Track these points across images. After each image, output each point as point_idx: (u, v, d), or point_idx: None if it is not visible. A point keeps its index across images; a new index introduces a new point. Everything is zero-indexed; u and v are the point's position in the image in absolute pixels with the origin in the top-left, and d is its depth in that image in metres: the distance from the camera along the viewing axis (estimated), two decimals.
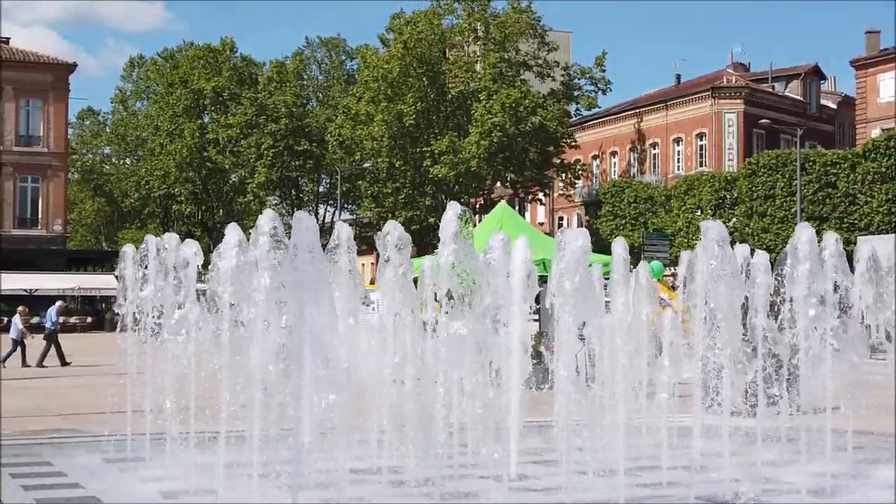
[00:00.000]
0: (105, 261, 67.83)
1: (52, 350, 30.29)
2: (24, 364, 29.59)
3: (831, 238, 11.36)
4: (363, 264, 73.98)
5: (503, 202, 29.42)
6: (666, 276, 33.29)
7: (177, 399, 11.58)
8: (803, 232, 11.03)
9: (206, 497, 9.83)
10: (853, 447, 11.37)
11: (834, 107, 75.97)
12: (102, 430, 13.23)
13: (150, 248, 12.56)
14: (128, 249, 13.45)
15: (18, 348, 30.33)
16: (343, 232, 10.50)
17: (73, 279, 59.26)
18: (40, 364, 29.29)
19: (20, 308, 32.12)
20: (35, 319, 37.26)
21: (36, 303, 57.85)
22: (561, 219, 79.52)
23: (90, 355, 30.75)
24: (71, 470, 11.64)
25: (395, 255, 10.35)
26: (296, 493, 7.72)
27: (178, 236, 12.69)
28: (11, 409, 17.07)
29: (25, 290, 57.09)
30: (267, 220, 9.15)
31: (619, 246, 11.25)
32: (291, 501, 7.72)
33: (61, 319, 34.20)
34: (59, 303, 33.98)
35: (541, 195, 71.10)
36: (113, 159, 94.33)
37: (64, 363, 29.75)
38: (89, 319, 60.07)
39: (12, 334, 30.92)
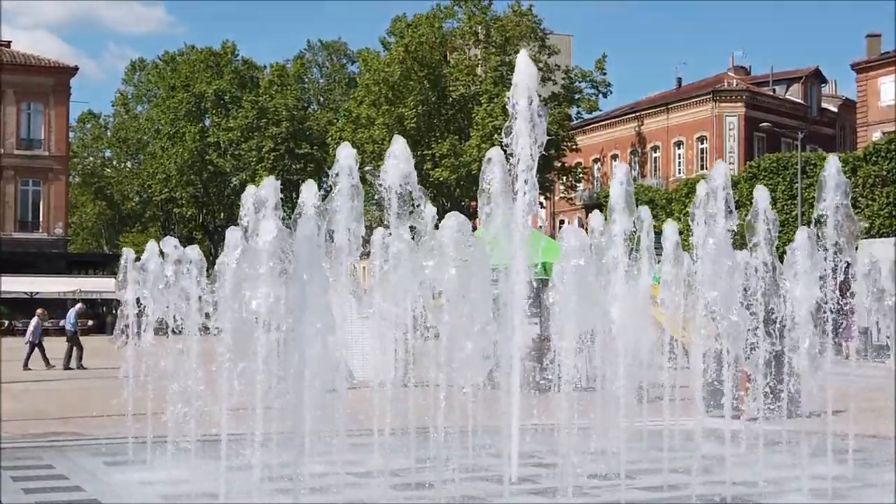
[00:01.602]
0: (106, 264, 67.85)
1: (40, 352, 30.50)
2: (26, 367, 29.58)
3: (832, 163, 11.38)
4: (364, 267, 73.92)
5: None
6: None
7: (178, 402, 11.59)
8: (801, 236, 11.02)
9: (208, 500, 9.83)
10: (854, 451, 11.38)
11: (835, 110, 75.97)
12: (103, 433, 13.25)
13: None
14: (129, 256, 13.48)
15: (28, 349, 30.61)
16: (344, 151, 10.72)
17: (74, 282, 59.24)
18: (80, 366, 29.42)
19: (39, 311, 32.45)
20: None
21: (36, 306, 57.96)
22: (562, 221, 79.53)
23: (92, 358, 30.72)
24: (72, 473, 11.65)
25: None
26: (297, 495, 7.72)
27: (177, 240, 12.74)
28: (13, 413, 17.07)
29: (26, 293, 57.07)
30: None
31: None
32: (293, 502, 7.72)
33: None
34: (78, 305, 34.05)
35: (542, 198, 71.12)
36: (114, 162, 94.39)
37: (51, 365, 29.77)
38: (90, 323, 60.01)
39: (28, 337, 31.20)
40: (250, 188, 11.57)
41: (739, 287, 10.61)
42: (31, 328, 31.29)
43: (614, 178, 11.34)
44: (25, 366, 29.67)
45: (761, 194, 11.62)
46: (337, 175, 11.18)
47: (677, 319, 13.18)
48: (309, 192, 12.20)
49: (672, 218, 61.85)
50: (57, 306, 54.73)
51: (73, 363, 30.09)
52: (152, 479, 11.15)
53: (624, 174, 11.54)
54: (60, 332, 36.49)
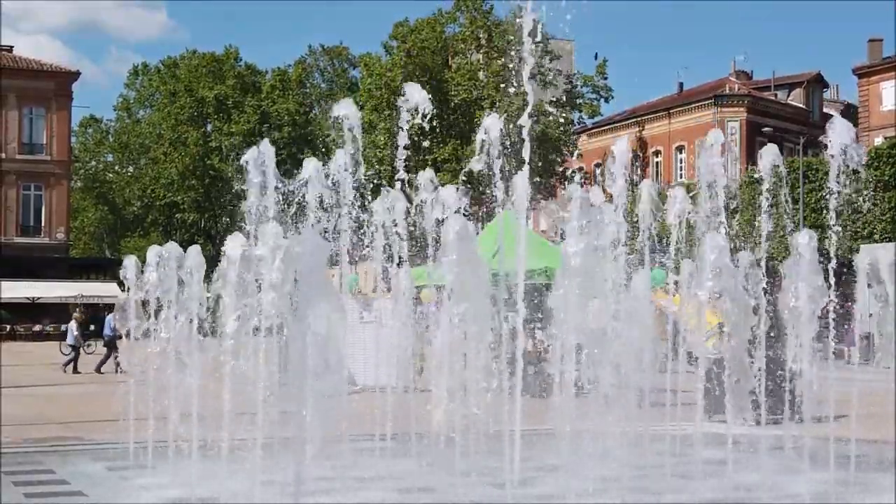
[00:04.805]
0: (108, 269, 67.84)
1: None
2: (76, 370, 30.03)
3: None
4: (365, 272, 73.93)
5: (505, 210, 29.34)
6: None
7: (179, 407, 11.60)
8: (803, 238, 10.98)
9: (209, 502, 9.84)
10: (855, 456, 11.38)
11: (836, 115, 75.87)
12: (105, 437, 13.25)
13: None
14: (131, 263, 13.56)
15: (73, 353, 31.19)
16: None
17: (76, 287, 59.28)
18: (99, 371, 29.61)
19: (76, 314, 32.86)
20: (38, 327, 37.55)
21: (38, 310, 58.06)
22: (564, 227, 79.50)
23: (93, 363, 30.81)
24: (73, 478, 11.64)
25: None
26: (298, 498, 7.72)
27: (179, 246, 12.81)
28: (14, 417, 17.07)
29: (28, 298, 57.12)
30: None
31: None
32: (294, 502, 7.71)
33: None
34: None
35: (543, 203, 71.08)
36: (116, 167, 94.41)
37: (118, 370, 30.08)
38: (92, 327, 60.02)
39: (69, 340, 31.39)
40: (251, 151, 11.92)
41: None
42: (71, 332, 31.70)
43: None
44: (75, 369, 30.10)
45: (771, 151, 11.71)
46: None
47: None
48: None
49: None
50: (59, 311, 54.83)
51: (113, 367, 30.17)
52: (154, 484, 11.16)
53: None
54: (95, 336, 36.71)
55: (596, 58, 65.56)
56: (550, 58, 65.63)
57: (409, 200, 13.07)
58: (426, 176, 12.95)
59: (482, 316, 9.04)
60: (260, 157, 11.74)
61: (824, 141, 11.35)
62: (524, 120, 11.27)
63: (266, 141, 12.28)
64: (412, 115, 11.46)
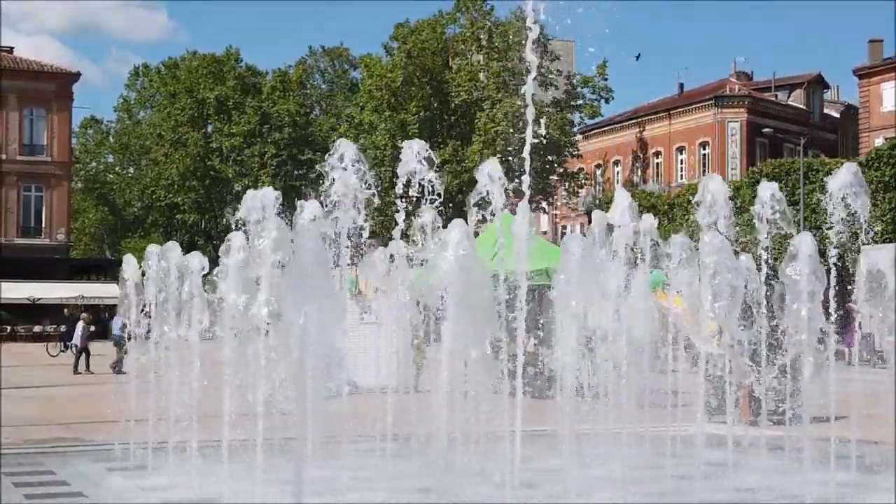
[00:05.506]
0: (108, 270, 67.80)
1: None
2: (77, 371, 30.22)
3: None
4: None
5: (505, 211, 29.31)
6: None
7: (180, 407, 11.61)
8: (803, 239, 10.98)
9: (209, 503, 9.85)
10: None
11: (837, 115, 75.90)
12: (105, 438, 13.26)
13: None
14: (129, 264, 13.57)
15: (76, 354, 31.35)
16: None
17: (77, 288, 59.24)
18: (119, 371, 29.69)
19: (84, 315, 32.95)
20: (39, 328, 37.42)
21: (39, 311, 58.02)
22: (564, 227, 79.47)
23: (94, 364, 30.82)
24: (73, 479, 11.65)
25: None
26: (299, 498, 7.72)
27: (179, 246, 12.81)
28: (14, 418, 17.07)
29: (28, 299, 57.10)
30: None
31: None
32: (295, 502, 7.71)
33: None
34: None
35: (544, 204, 71.10)
36: (116, 168, 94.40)
37: (88, 371, 30.18)
38: (92, 328, 59.93)
39: (76, 341, 31.81)
40: (252, 193, 11.45)
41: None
42: (77, 333, 31.75)
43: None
44: (75, 370, 30.33)
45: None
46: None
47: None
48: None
49: (673, 223, 61.52)
50: (59, 312, 54.74)
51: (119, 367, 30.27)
52: (154, 485, 11.16)
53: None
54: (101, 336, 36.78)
55: (638, 58, 65.83)
56: (551, 58, 65.68)
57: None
58: (426, 222, 12.63)
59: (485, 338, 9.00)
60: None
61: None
62: (528, 87, 11.22)
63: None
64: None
